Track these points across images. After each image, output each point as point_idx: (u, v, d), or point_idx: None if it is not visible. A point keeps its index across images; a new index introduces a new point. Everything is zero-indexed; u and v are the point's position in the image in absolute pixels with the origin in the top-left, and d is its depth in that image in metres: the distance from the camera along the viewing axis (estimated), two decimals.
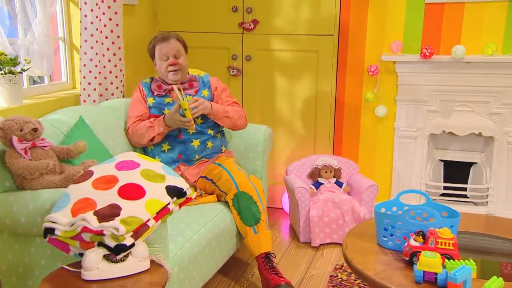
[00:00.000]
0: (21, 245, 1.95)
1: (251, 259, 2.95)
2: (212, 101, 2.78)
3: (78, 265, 1.64)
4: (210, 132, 2.77)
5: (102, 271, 1.60)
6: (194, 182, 2.70)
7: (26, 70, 2.54)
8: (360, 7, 3.44)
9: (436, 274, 1.66)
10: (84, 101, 2.83)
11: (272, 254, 2.55)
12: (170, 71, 2.72)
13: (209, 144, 2.77)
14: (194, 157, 2.73)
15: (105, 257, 1.62)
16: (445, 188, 3.55)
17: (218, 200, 2.62)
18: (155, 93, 2.75)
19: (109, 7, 2.87)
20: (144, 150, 2.80)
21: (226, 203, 2.58)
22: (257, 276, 2.74)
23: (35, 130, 1.99)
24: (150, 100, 2.74)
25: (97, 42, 2.82)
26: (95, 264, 1.59)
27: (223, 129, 2.91)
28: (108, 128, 2.61)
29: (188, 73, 2.84)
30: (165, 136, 2.70)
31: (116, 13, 2.91)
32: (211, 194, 2.65)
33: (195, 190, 1.90)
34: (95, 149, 2.35)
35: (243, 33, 3.55)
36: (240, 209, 2.49)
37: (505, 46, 3.24)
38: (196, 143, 2.73)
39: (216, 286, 2.64)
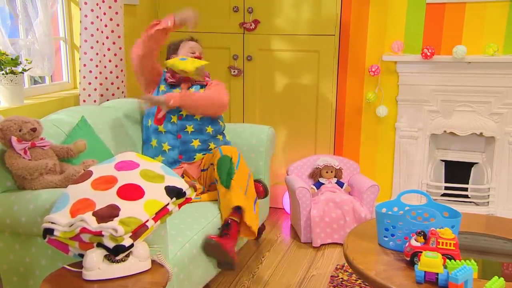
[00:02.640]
0: (22, 245, 1.96)
1: (251, 259, 2.95)
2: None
3: (79, 265, 1.64)
4: (209, 131, 2.77)
5: (103, 271, 1.60)
6: (199, 177, 2.73)
7: (27, 70, 2.54)
8: (361, 7, 3.44)
9: (437, 274, 1.66)
10: (84, 101, 2.83)
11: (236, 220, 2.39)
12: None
13: (212, 145, 2.78)
14: (195, 155, 2.74)
15: (106, 257, 1.62)
16: (446, 188, 3.55)
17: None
18: (168, 81, 2.81)
19: (110, 7, 2.87)
20: (145, 150, 2.81)
21: None
22: (258, 276, 2.74)
23: (34, 130, 1.99)
24: (162, 87, 2.80)
25: (97, 42, 2.82)
26: (96, 264, 1.59)
27: (224, 131, 2.91)
28: (109, 128, 2.61)
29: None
30: (165, 135, 2.72)
31: (117, 13, 2.92)
32: (214, 190, 2.65)
33: (195, 190, 1.90)
34: (96, 149, 2.35)
35: (244, 33, 3.55)
36: (221, 172, 2.48)
37: (506, 46, 3.23)
38: (196, 142, 2.74)
39: (216, 287, 2.64)
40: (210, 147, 2.77)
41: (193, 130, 2.73)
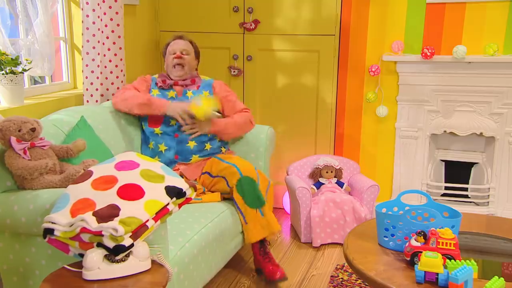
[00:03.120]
0: (22, 245, 1.96)
1: (251, 260, 2.95)
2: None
3: (79, 265, 1.64)
4: (207, 137, 2.79)
5: (103, 271, 1.60)
6: (196, 179, 2.72)
7: (27, 70, 2.54)
8: (361, 7, 3.44)
9: (437, 274, 1.66)
10: (87, 101, 2.83)
11: (267, 241, 2.68)
12: (174, 65, 2.81)
13: (207, 146, 2.78)
14: (191, 157, 2.75)
15: (106, 257, 1.62)
16: (446, 188, 3.55)
17: (223, 199, 2.62)
18: (158, 85, 2.83)
19: (110, 7, 2.87)
20: (143, 151, 2.82)
21: (228, 202, 2.57)
22: (258, 276, 2.74)
23: (33, 130, 1.99)
24: (154, 92, 2.81)
25: (98, 42, 2.82)
26: (96, 264, 1.59)
27: None
28: (109, 127, 2.61)
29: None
30: (162, 136, 2.74)
31: (117, 13, 2.92)
32: (214, 192, 2.65)
33: (195, 190, 1.90)
34: (96, 148, 2.35)
35: (244, 33, 3.55)
36: (244, 193, 2.49)
37: (506, 46, 3.23)
38: (192, 143, 2.74)
39: (217, 287, 2.64)
40: (206, 148, 2.77)
41: (188, 134, 2.74)
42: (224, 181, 2.59)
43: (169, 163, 2.73)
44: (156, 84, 2.84)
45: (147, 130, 2.77)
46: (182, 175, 2.72)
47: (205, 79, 2.94)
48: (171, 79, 2.84)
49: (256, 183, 2.50)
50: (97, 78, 2.84)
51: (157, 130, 2.74)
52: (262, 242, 2.63)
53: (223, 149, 2.86)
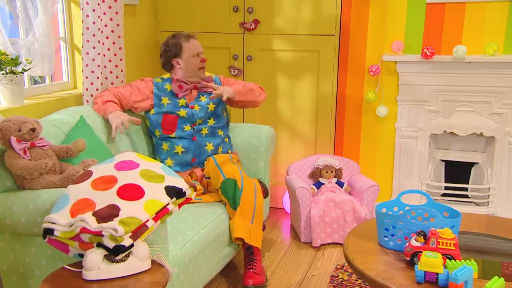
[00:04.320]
0: (22, 245, 1.96)
1: None
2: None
3: (79, 265, 1.64)
4: (221, 133, 2.83)
5: (103, 271, 1.60)
6: (201, 180, 2.74)
7: (27, 70, 2.54)
8: (361, 7, 3.43)
9: (437, 274, 1.66)
10: (87, 101, 2.83)
11: (254, 246, 2.55)
12: (201, 68, 2.81)
13: (220, 148, 2.82)
14: (206, 159, 2.77)
15: (106, 257, 1.62)
16: (446, 188, 3.55)
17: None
18: (179, 95, 2.77)
19: (110, 7, 2.87)
20: (156, 153, 2.82)
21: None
22: None
23: (33, 130, 1.99)
24: (165, 100, 2.77)
25: (98, 42, 2.82)
26: (96, 264, 1.59)
27: (229, 133, 2.95)
28: (109, 127, 2.61)
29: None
30: (179, 138, 2.75)
31: (117, 13, 2.91)
32: (215, 192, 2.66)
33: (195, 190, 1.90)
34: (96, 148, 2.35)
35: (244, 33, 3.55)
36: (228, 195, 2.51)
37: (506, 46, 3.23)
38: (210, 146, 2.77)
39: (217, 287, 2.64)
40: (219, 151, 2.82)
41: (207, 132, 2.77)
42: (211, 185, 2.65)
43: (185, 165, 2.76)
44: (172, 90, 2.77)
45: (162, 136, 2.78)
46: (189, 175, 2.75)
47: (212, 76, 2.94)
48: (188, 83, 2.80)
49: (234, 184, 2.50)
50: (97, 78, 2.83)
51: (173, 135, 2.76)
52: (249, 248, 2.57)
53: (229, 151, 2.88)
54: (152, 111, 2.79)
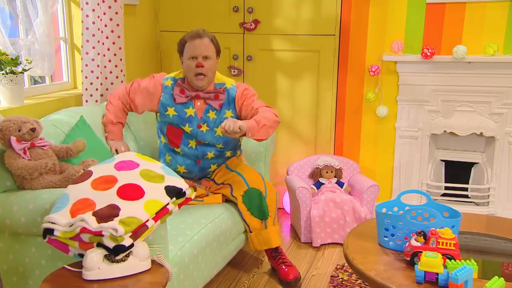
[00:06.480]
0: (22, 245, 1.96)
1: (251, 260, 2.95)
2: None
3: (79, 265, 1.64)
4: (228, 154, 2.70)
5: (103, 271, 1.60)
6: (208, 188, 2.69)
7: (28, 70, 2.54)
8: (361, 7, 3.43)
9: (437, 274, 1.66)
10: (86, 101, 2.83)
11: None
12: (196, 74, 2.50)
13: (227, 153, 2.70)
14: (210, 174, 2.71)
15: (106, 257, 1.62)
16: (446, 188, 3.55)
17: (225, 201, 2.62)
18: (177, 100, 2.54)
19: (110, 7, 2.87)
20: (159, 157, 2.75)
21: (229, 204, 2.57)
22: (258, 276, 2.74)
23: (33, 130, 1.99)
24: (171, 112, 2.55)
25: (98, 42, 2.82)
26: (96, 264, 1.59)
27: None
28: None
29: (215, 81, 2.62)
30: (184, 159, 2.61)
31: (117, 13, 2.91)
32: (216, 193, 2.65)
33: (195, 190, 1.90)
34: (96, 148, 2.35)
35: (244, 33, 3.55)
36: (251, 205, 2.49)
37: (506, 46, 3.23)
38: (213, 167, 2.68)
39: (217, 287, 2.64)
40: (226, 156, 2.70)
41: (213, 156, 2.64)
42: (228, 188, 2.58)
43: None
44: (174, 99, 2.53)
45: (167, 145, 2.64)
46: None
47: (226, 87, 2.60)
48: (191, 90, 2.55)
49: (263, 196, 2.50)
50: (97, 78, 2.83)
51: (178, 150, 2.61)
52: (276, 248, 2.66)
53: (238, 152, 2.78)
54: (158, 117, 2.64)
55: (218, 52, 2.61)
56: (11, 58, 2.41)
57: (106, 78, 2.95)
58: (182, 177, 2.53)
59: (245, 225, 2.55)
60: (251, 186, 2.50)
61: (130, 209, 1.65)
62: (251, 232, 2.54)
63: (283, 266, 2.63)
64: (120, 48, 2.98)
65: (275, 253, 2.67)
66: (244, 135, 2.35)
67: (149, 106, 2.63)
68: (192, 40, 2.52)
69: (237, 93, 2.60)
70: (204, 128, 2.57)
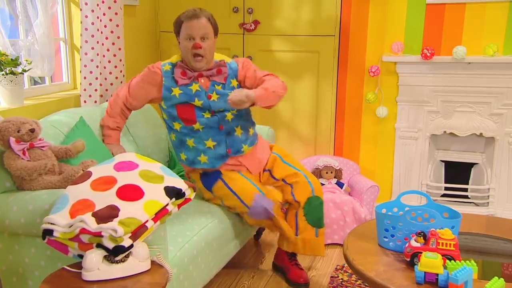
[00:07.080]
0: (21, 246, 1.95)
1: (251, 260, 2.95)
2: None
3: (79, 265, 1.64)
4: (246, 117, 2.59)
5: (103, 271, 1.60)
6: (259, 174, 2.64)
7: (27, 70, 2.54)
8: (361, 7, 3.43)
9: (437, 275, 1.66)
10: (85, 101, 2.82)
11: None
12: (194, 55, 2.43)
13: (251, 130, 2.59)
14: (242, 147, 2.52)
15: (106, 257, 1.62)
16: (446, 188, 3.55)
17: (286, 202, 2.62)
18: (179, 82, 2.45)
19: (109, 8, 2.87)
20: (178, 151, 2.57)
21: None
22: (258, 276, 2.74)
23: (32, 130, 1.99)
24: (176, 91, 2.45)
25: (98, 42, 2.82)
26: (96, 265, 1.59)
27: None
28: None
29: (214, 59, 2.55)
30: (207, 131, 2.47)
31: (116, 14, 2.91)
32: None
33: (194, 191, 1.89)
34: (95, 149, 2.35)
35: (244, 34, 3.55)
36: (309, 211, 2.52)
37: (506, 47, 3.23)
38: (238, 131, 2.51)
39: (217, 287, 2.64)
40: (250, 133, 2.57)
41: (233, 117, 2.50)
42: (289, 189, 2.57)
43: (220, 158, 2.49)
44: (176, 81, 2.45)
45: (184, 129, 2.49)
46: (243, 173, 2.55)
47: (228, 61, 2.57)
48: (193, 70, 2.47)
49: (322, 205, 2.55)
50: (96, 78, 2.83)
51: (197, 125, 2.46)
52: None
53: (258, 135, 2.69)
54: (164, 105, 2.51)
55: (216, 32, 2.53)
56: (11, 59, 2.41)
57: (105, 79, 2.95)
58: (213, 151, 2.48)
59: (288, 226, 2.54)
60: (315, 194, 2.54)
61: (130, 210, 1.65)
62: (296, 235, 2.55)
63: (297, 268, 2.65)
64: (119, 49, 2.98)
65: (291, 256, 2.69)
66: (253, 104, 2.35)
67: (152, 93, 2.52)
68: (188, 20, 2.43)
69: (238, 66, 2.57)
70: (214, 96, 2.46)
